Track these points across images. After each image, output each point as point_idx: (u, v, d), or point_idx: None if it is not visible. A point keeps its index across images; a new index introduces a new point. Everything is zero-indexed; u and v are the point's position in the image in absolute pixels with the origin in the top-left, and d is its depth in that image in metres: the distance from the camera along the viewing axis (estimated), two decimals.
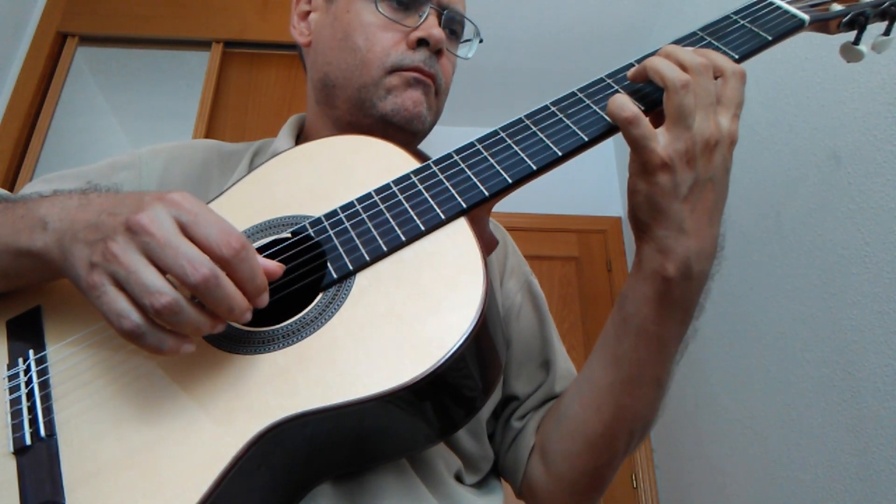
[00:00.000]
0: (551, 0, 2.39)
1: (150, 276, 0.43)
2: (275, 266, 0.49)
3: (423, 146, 0.81)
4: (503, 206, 0.74)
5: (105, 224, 0.46)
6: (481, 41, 0.81)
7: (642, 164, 0.53)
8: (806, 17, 0.60)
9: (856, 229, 1.28)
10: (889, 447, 1.16)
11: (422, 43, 0.70)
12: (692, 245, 0.53)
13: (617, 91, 0.58)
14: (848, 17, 0.62)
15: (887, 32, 0.63)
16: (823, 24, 0.62)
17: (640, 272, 0.56)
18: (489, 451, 0.72)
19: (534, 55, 2.63)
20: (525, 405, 0.75)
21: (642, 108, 0.56)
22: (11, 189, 1.86)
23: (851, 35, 0.63)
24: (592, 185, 2.86)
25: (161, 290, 0.43)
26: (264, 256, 0.55)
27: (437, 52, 0.72)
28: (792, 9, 0.61)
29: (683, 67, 0.54)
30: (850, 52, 0.64)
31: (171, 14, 2.12)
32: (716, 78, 0.54)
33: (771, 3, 0.62)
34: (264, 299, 0.48)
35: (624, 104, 0.53)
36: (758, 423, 1.62)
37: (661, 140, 0.52)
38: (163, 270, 0.44)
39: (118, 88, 2.24)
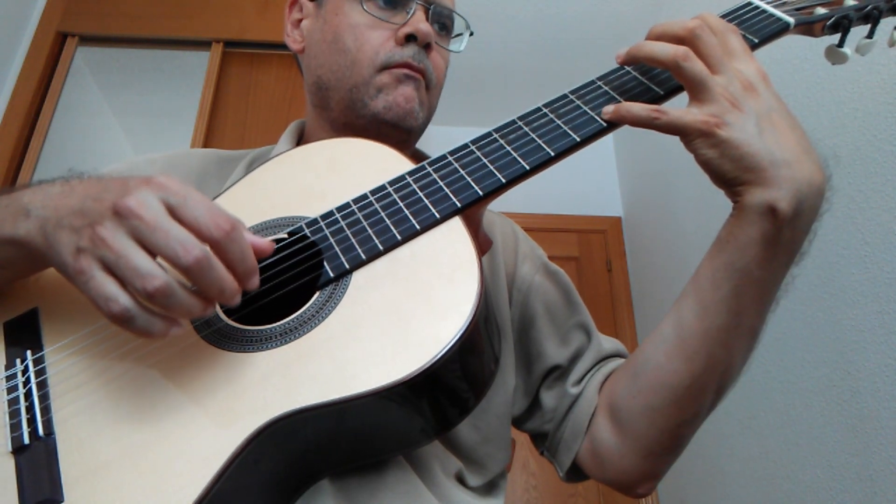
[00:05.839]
0: (552, 0, 2.39)
1: (141, 259, 0.43)
2: (265, 243, 0.49)
3: (423, 146, 0.81)
4: (504, 205, 0.74)
5: (91, 209, 0.46)
6: (472, 34, 0.81)
7: (698, 135, 0.52)
8: (791, 20, 0.61)
9: (856, 229, 1.28)
10: (889, 447, 1.16)
11: (410, 38, 0.70)
12: (797, 174, 0.50)
13: (607, 92, 0.59)
14: (832, 21, 0.62)
15: (870, 35, 0.64)
16: (808, 27, 0.63)
17: (745, 216, 0.52)
18: (498, 452, 0.71)
19: (533, 55, 2.63)
20: (577, 369, 0.73)
21: (661, 91, 0.57)
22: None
23: (836, 38, 0.64)
24: (592, 185, 2.86)
25: (153, 272, 0.43)
26: None
27: (427, 47, 0.72)
28: (777, 12, 0.62)
29: (680, 39, 0.54)
30: (835, 55, 0.65)
31: (171, 14, 2.12)
32: None
33: (756, 7, 0.63)
34: (255, 282, 0.48)
35: (636, 108, 0.54)
36: (758, 423, 1.62)
37: (696, 111, 0.52)
38: (153, 253, 0.44)
39: (118, 88, 2.24)
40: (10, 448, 0.47)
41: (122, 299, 0.43)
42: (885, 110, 1.23)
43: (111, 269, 0.44)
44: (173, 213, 0.45)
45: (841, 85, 1.36)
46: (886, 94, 1.23)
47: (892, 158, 1.20)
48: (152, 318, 0.44)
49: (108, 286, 0.43)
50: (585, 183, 2.82)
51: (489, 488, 0.71)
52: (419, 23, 0.70)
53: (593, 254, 2.78)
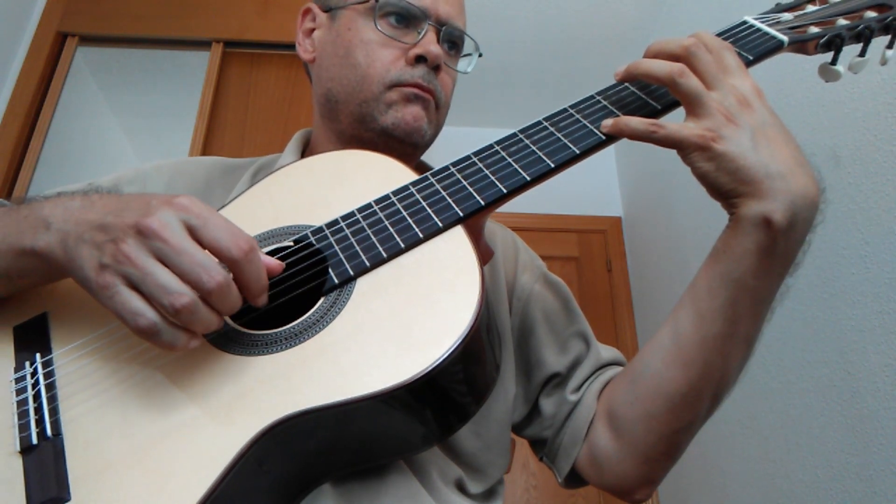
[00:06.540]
0: (552, 0, 2.40)
1: (168, 278, 0.45)
2: (276, 264, 0.51)
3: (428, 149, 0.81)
4: (504, 206, 0.74)
5: (113, 225, 0.47)
6: (480, 55, 0.82)
7: (695, 149, 0.53)
8: (785, 38, 0.63)
9: (856, 229, 1.29)
10: (889, 447, 1.16)
11: (420, 59, 0.71)
12: (791, 186, 0.51)
13: (606, 107, 0.60)
14: (825, 39, 0.64)
15: (863, 53, 0.66)
16: (802, 46, 0.65)
17: (740, 227, 0.54)
18: (499, 458, 0.72)
19: (535, 56, 2.63)
20: (576, 376, 0.74)
21: (659, 106, 0.59)
22: (12, 188, 1.86)
23: (829, 56, 0.66)
24: (592, 185, 2.86)
25: (180, 290, 0.44)
26: None
27: (436, 68, 0.72)
28: (771, 31, 0.64)
29: (677, 56, 0.55)
30: (828, 73, 0.66)
31: (171, 14, 2.12)
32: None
33: (751, 26, 0.65)
34: (264, 299, 0.50)
35: (634, 122, 0.55)
36: (758, 423, 1.62)
37: (693, 125, 0.53)
38: (174, 273, 0.45)
39: (118, 88, 2.24)
40: (18, 448, 0.48)
41: (149, 314, 0.45)
42: (885, 110, 1.23)
43: (135, 286, 0.45)
44: (194, 234, 0.46)
45: (841, 85, 1.36)
46: (886, 94, 1.23)
47: (892, 158, 1.21)
48: (177, 331, 0.46)
49: (135, 302, 0.45)
50: (585, 183, 2.82)
51: (488, 495, 0.71)
52: (430, 45, 0.71)
53: (593, 254, 2.78)
